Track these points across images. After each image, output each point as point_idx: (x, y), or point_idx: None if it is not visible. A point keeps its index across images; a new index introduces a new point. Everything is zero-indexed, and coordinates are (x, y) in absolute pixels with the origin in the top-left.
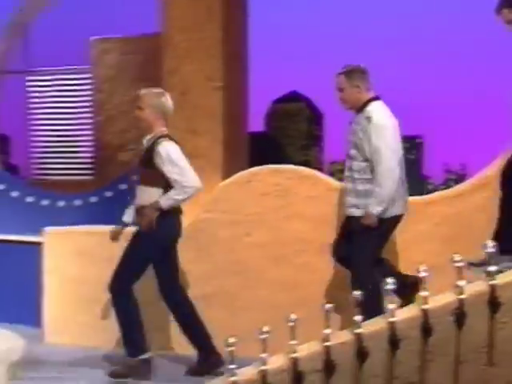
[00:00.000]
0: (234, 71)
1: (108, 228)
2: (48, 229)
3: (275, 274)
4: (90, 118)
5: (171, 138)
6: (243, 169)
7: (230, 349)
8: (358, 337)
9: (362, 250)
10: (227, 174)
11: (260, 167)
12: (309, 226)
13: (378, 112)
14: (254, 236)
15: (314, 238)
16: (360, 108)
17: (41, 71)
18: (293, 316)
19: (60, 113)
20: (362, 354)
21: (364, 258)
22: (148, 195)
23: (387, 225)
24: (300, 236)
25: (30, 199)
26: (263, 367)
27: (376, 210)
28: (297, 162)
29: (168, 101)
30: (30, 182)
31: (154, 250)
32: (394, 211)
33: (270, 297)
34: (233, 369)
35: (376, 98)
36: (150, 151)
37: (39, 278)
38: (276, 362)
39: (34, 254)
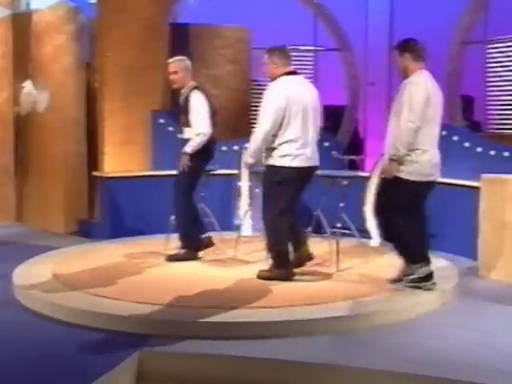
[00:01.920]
0: None
1: None
2: (485, 175)
3: None
4: None
5: None
6: None
7: None
8: None
9: None
10: None
11: None
12: None
13: (274, 86)
14: None
15: None
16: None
17: (498, 39)
18: None
19: None
20: None
21: None
22: None
23: None
24: None
25: (478, 149)
26: None
27: None
28: None
29: None
30: (485, 135)
31: None
32: None
33: None
34: None
35: (289, 73)
36: None
37: (476, 217)
38: None
39: (473, 197)
